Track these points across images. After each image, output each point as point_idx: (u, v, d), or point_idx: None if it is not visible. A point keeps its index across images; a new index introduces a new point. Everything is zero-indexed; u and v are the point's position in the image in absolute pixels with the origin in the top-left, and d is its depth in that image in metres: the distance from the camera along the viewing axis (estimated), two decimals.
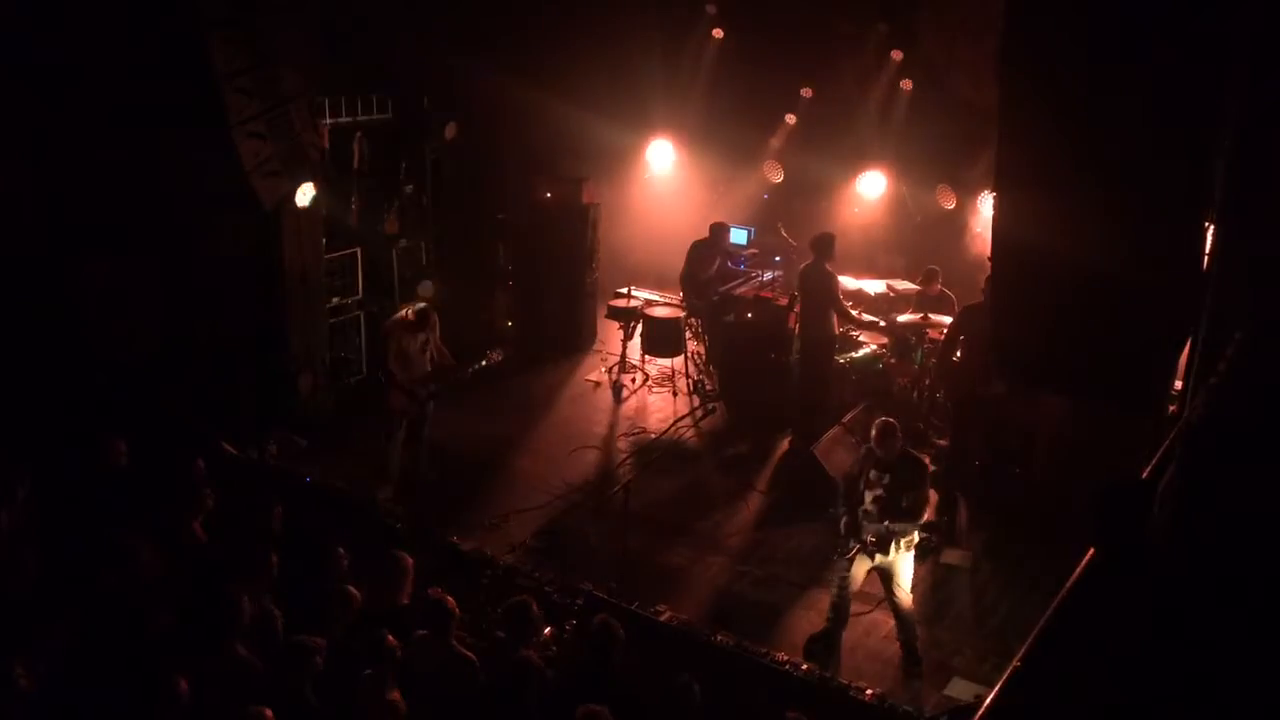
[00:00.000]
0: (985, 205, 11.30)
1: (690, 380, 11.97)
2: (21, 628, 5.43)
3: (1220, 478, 2.02)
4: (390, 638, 5.39)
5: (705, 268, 12.16)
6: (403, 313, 9.33)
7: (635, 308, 12.09)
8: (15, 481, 6.73)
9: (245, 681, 5.33)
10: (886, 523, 7.14)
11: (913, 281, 11.72)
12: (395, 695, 5.31)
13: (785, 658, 6.96)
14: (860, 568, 7.32)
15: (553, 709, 5.46)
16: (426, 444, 9.60)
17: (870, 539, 7.18)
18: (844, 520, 7.35)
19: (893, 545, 7.16)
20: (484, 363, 9.64)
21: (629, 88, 13.17)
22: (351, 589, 6.06)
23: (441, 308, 9.96)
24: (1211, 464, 2.05)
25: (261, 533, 6.75)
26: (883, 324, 11.06)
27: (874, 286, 11.92)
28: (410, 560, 6.51)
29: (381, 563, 6.53)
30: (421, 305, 9.52)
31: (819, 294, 10.27)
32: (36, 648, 5.24)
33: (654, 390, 12.03)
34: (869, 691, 6.65)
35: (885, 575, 7.34)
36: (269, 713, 4.78)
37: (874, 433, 7.32)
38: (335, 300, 11.16)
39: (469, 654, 5.83)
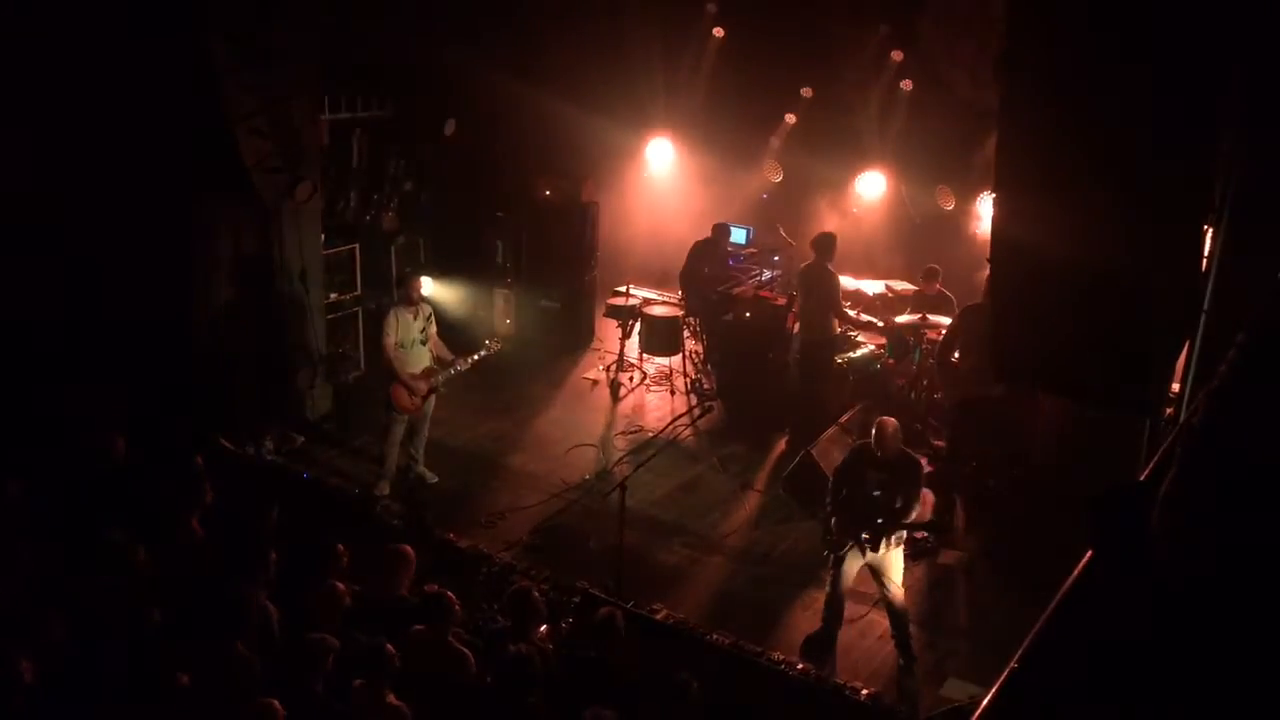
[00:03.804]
0: (985, 206, 11.30)
1: (688, 379, 11.97)
2: (17, 624, 5.42)
3: (1221, 481, 2.02)
4: (390, 646, 5.37)
5: (706, 267, 12.17)
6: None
7: (634, 306, 12.08)
8: (7, 477, 6.73)
9: (245, 680, 5.32)
10: (878, 520, 7.13)
11: (911, 282, 11.72)
12: (392, 699, 5.30)
13: (781, 657, 6.97)
14: (852, 565, 7.32)
15: (552, 703, 5.46)
16: (425, 441, 9.59)
17: (863, 536, 7.17)
18: (834, 517, 7.35)
19: (884, 543, 7.15)
20: (483, 352, 9.61)
21: (629, 86, 13.16)
22: (339, 586, 6.05)
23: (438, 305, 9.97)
24: (1212, 468, 2.05)
25: (259, 530, 6.74)
26: (881, 324, 11.06)
27: (873, 287, 11.92)
28: (411, 550, 6.51)
29: (382, 556, 6.54)
30: (406, 274, 9.49)
31: (819, 294, 10.27)
32: (33, 644, 5.23)
33: (651, 389, 12.03)
34: (864, 692, 6.66)
35: (877, 572, 7.34)
36: (277, 704, 4.77)
37: (875, 429, 7.31)
38: (333, 296, 11.15)
39: (465, 650, 5.83)
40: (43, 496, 6.85)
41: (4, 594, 5.80)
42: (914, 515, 7.28)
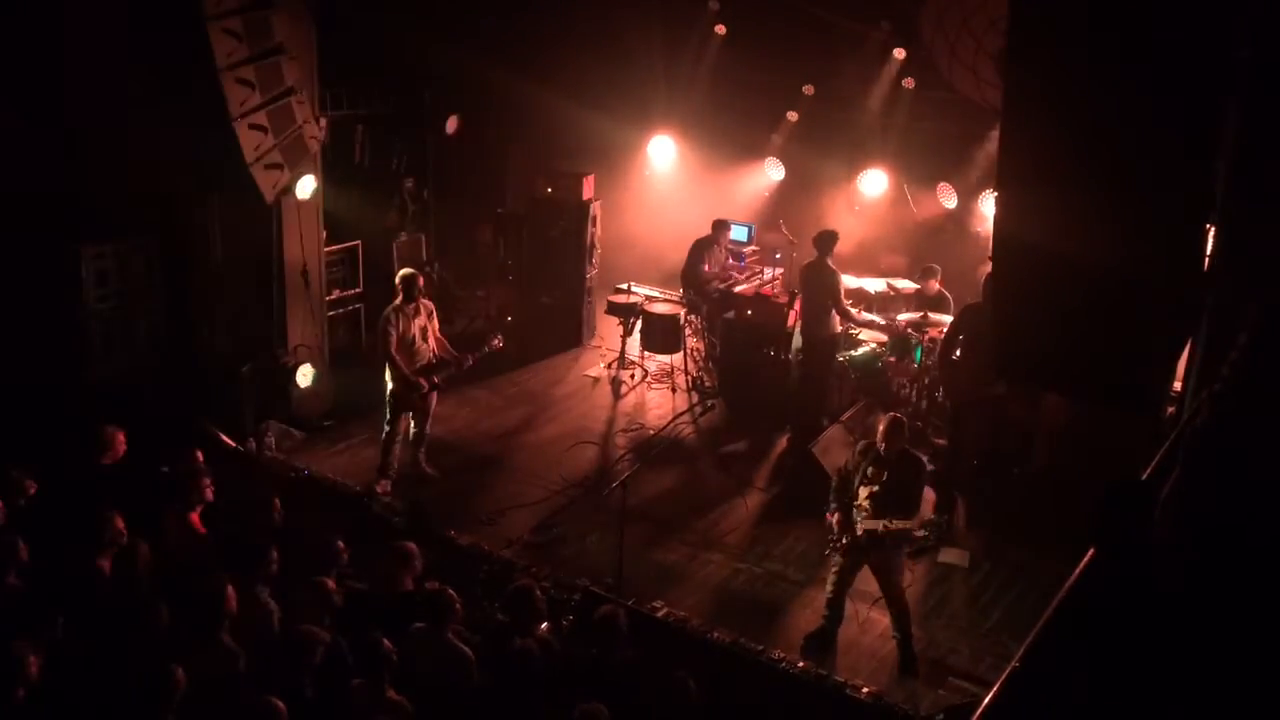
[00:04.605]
0: (986, 204, 11.30)
1: (689, 377, 11.97)
2: (16, 617, 5.42)
3: (1223, 482, 2.01)
4: (387, 642, 5.37)
5: (706, 264, 12.17)
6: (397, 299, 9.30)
7: (635, 304, 12.08)
8: (21, 478, 6.73)
9: (229, 672, 5.33)
10: (881, 521, 7.12)
11: (913, 280, 11.71)
12: (393, 695, 5.31)
13: (782, 655, 6.97)
14: (854, 564, 7.32)
15: (552, 700, 5.47)
16: (426, 439, 9.58)
17: (863, 535, 7.16)
18: (836, 516, 7.34)
19: (887, 542, 7.14)
20: (485, 349, 9.60)
21: (630, 83, 13.16)
22: (329, 583, 6.05)
23: (440, 301, 9.98)
24: (1214, 468, 2.05)
25: (260, 526, 6.74)
26: (882, 322, 11.06)
27: (874, 285, 11.91)
28: (414, 548, 6.52)
29: (384, 554, 6.55)
30: (406, 272, 9.49)
31: (820, 292, 10.26)
32: (33, 637, 5.23)
33: (653, 386, 12.02)
34: (865, 690, 6.66)
35: (879, 572, 7.33)
36: (280, 704, 4.77)
37: (881, 427, 7.30)
38: (335, 293, 11.15)
39: (465, 647, 5.84)
40: (46, 490, 6.86)
41: (7, 590, 5.82)
42: (918, 515, 7.27)
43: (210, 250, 9.95)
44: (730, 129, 13.28)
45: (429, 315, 9.33)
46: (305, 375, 10.28)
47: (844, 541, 7.28)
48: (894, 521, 7.09)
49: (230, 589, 5.62)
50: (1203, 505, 2.04)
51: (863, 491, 7.25)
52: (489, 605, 7.02)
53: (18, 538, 6.05)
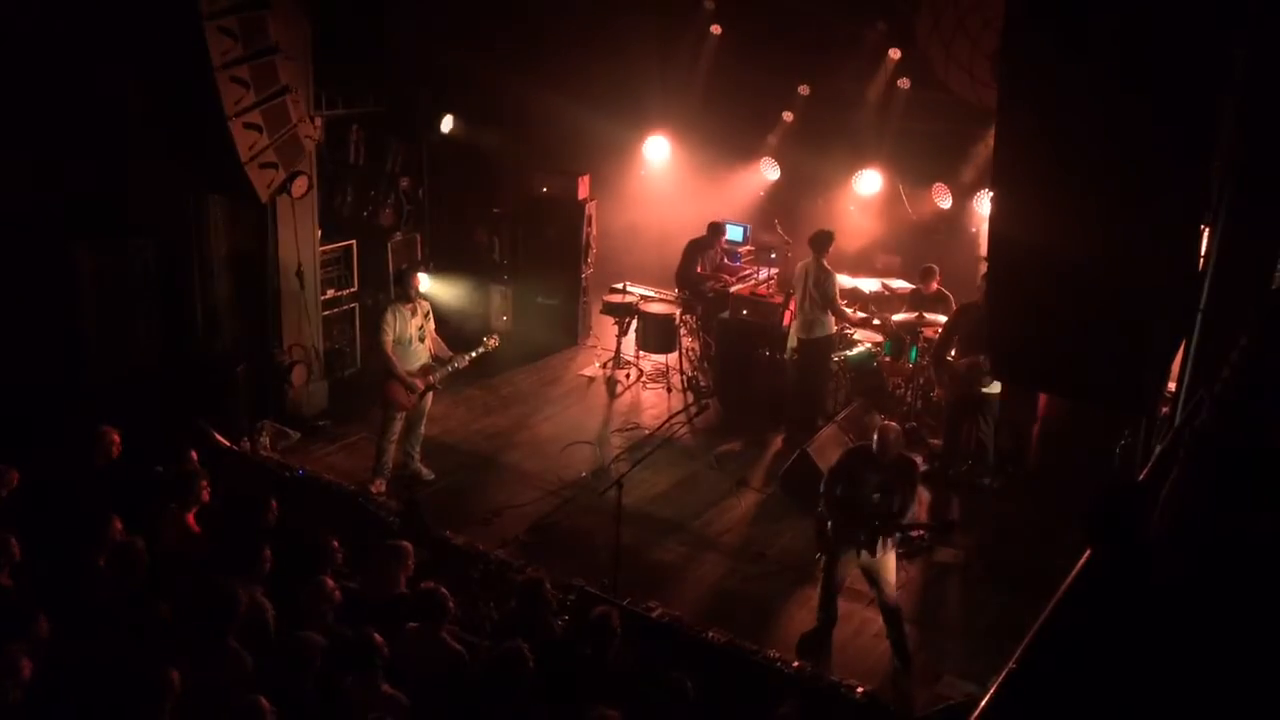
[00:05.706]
0: (982, 204, 11.30)
1: (684, 376, 11.97)
2: (8, 617, 5.40)
3: (1224, 483, 2.01)
4: (377, 636, 5.36)
5: (700, 265, 12.17)
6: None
7: (630, 303, 12.07)
8: (6, 471, 6.71)
9: (236, 676, 5.31)
10: (876, 523, 7.09)
11: (908, 280, 11.71)
12: (388, 689, 5.30)
13: (777, 655, 6.96)
14: (846, 566, 7.30)
15: (547, 701, 5.46)
16: (421, 439, 9.57)
17: (860, 537, 7.14)
18: (829, 518, 7.32)
19: (878, 544, 7.12)
20: (481, 349, 9.60)
21: (626, 83, 13.15)
22: (329, 582, 6.04)
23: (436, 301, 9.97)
24: (1216, 469, 2.04)
25: (255, 526, 6.72)
26: (878, 322, 11.06)
27: (869, 285, 11.91)
28: (409, 546, 6.51)
29: (379, 552, 6.54)
30: (403, 268, 9.48)
31: (816, 292, 10.28)
32: (27, 638, 5.21)
33: (648, 386, 12.02)
34: (859, 689, 6.64)
35: (871, 574, 7.31)
36: (264, 702, 4.76)
37: (876, 435, 7.25)
38: (330, 293, 11.13)
39: (459, 647, 5.83)
40: (40, 491, 6.84)
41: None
42: (910, 516, 7.26)
43: (206, 250, 9.93)
44: (726, 129, 13.27)
45: (425, 315, 9.32)
46: (300, 375, 10.27)
47: (838, 545, 7.25)
48: (882, 522, 7.07)
49: (242, 594, 5.59)
50: (1203, 505, 2.04)
51: (856, 494, 7.21)
52: (484, 605, 7.01)
53: (10, 536, 6.02)
